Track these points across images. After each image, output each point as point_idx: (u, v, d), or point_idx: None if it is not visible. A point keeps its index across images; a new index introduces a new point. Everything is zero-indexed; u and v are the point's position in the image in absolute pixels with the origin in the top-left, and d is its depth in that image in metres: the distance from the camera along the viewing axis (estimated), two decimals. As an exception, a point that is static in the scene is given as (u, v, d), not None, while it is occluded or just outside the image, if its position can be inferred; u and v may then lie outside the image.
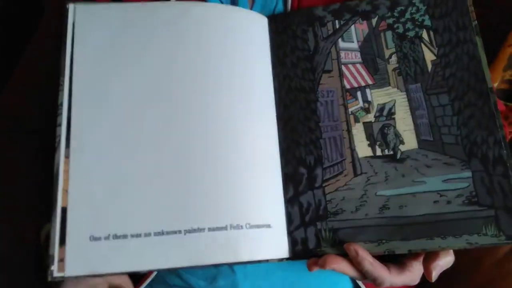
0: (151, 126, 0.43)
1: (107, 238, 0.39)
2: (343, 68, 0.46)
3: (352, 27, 0.47)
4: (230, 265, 0.41)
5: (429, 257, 0.41)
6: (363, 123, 0.45)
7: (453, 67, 0.44)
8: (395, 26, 0.46)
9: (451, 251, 0.42)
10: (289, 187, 0.44)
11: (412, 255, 0.43)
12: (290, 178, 0.44)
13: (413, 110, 0.44)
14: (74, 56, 0.43)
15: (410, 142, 0.43)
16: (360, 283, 0.51)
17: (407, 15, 0.46)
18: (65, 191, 0.40)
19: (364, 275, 0.41)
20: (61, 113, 0.42)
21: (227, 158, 0.42)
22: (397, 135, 0.44)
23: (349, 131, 0.45)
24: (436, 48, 0.45)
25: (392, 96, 0.45)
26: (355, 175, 0.43)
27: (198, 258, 0.40)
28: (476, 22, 0.44)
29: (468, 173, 0.41)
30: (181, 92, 0.44)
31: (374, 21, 0.47)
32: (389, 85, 0.45)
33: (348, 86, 0.46)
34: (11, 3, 0.74)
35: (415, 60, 0.45)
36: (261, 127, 0.45)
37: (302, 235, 0.43)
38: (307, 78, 0.46)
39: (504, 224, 0.40)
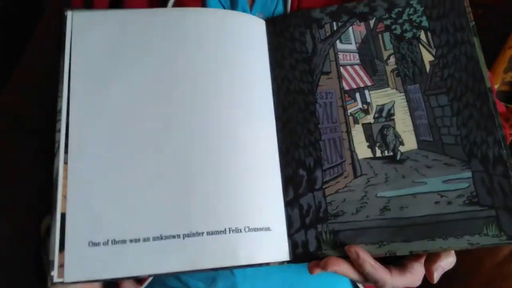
0: (149, 131, 0.43)
1: (105, 243, 0.39)
2: (342, 69, 0.46)
3: (350, 28, 0.47)
4: (230, 269, 0.41)
5: (431, 258, 0.41)
6: (362, 124, 0.45)
7: (451, 68, 0.44)
8: (393, 27, 0.46)
9: (453, 252, 0.41)
10: (289, 190, 0.44)
11: (414, 257, 0.43)
12: (289, 181, 0.44)
13: (412, 111, 0.44)
14: (72, 63, 0.43)
15: (409, 143, 0.43)
16: (360, 285, 0.51)
17: (405, 16, 0.46)
18: (64, 197, 0.40)
19: (366, 277, 0.41)
20: (60, 119, 0.42)
21: (225, 161, 0.42)
22: (396, 136, 0.44)
23: (348, 132, 0.44)
24: (434, 49, 0.45)
25: (391, 97, 0.45)
26: (355, 176, 0.43)
27: (197, 263, 0.39)
28: (473, 22, 0.44)
29: (468, 174, 0.41)
30: (180, 97, 0.44)
31: (371, 22, 0.47)
32: (388, 86, 0.45)
33: (346, 88, 0.46)
34: (11, 3, 0.74)
35: (413, 61, 0.45)
36: (260, 129, 0.45)
37: (302, 237, 0.42)
38: (306, 80, 0.46)
39: (505, 224, 0.39)
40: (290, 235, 0.42)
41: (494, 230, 0.40)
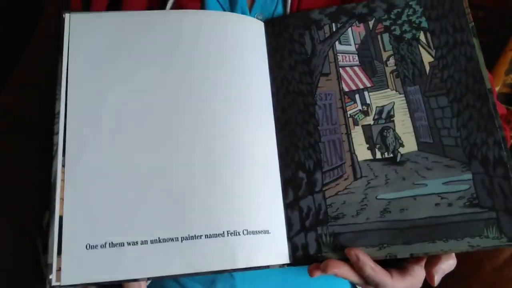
0: (147, 134, 0.42)
1: (103, 246, 0.39)
2: (341, 71, 0.46)
3: (349, 30, 0.47)
4: (229, 272, 0.40)
5: (431, 260, 0.41)
6: (362, 126, 0.44)
7: (451, 69, 0.44)
8: (392, 28, 0.46)
9: (453, 254, 0.41)
10: (288, 192, 0.43)
11: (414, 259, 0.42)
12: (289, 183, 0.43)
13: (412, 113, 0.44)
14: (70, 65, 0.43)
15: (409, 144, 0.43)
16: (360, 288, 0.51)
17: (404, 17, 0.46)
18: (61, 199, 0.40)
19: (366, 280, 0.41)
20: (58, 122, 0.41)
21: (224, 163, 0.42)
22: (396, 137, 0.44)
23: (348, 134, 0.44)
24: (434, 50, 0.45)
25: (391, 99, 0.45)
26: (355, 178, 0.43)
27: (196, 266, 0.39)
28: (473, 23, 0.44)
29: (468, 175, 0.41)
30: (178, 99, 0.43)
31: (371, 23, 0.47)
32: (388, 87, 0.45)
33: (346, 89, 0.46)
34: (11, 3, 0.74)
35: (413, 62, 0.45)
36: (259, 131, 0.44)
37: (302, 240, 0.42)
38: (305, 82, 0.46)
39: (506, 226, 0.39)
40: (290, 238, 0.42)
41: (495, 232, 0.39)
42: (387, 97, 0.45)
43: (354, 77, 0.46)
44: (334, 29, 0.47)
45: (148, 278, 0.39)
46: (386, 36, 0.46)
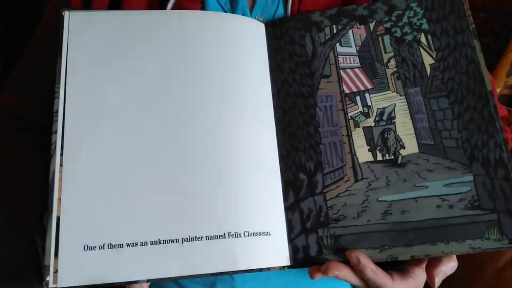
0: (147, 133, 0.42)
1: (101, 247, 0.38)
2: (342, 72, 0.46)
3: (350, 31, 0.47)
4: (229, 274, 0.40)
5: (432, 263, 0.41)
6: (363, 127, 0.44)
7: (452, 71, 0.44)
8: (393, 30, 0.46)
9: (454, 256, 0.41)
10: (289, 194, 0.43)
11: (415, 261, 0.42)
12: (290, 185, 0.43)
13: (413, 114, 0.44)
14: (69, 63, 0.43)
15: (410, 146, 0.43)
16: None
17: (405, 19, 0.46)
18: (59, 199, 0.39)
19: (367, 282, 0.40)
20: (56, 120, 0.41)
21: (224, 164, 0.42)
22: (397, 139, 0.43)
23: (349, 136, 0.44)
24: (435, 52, 0.45)
25: (392, 100, 0.44)
26: (356, 180, 0.43)
27: (196, 268, 0.39)
28: (473, 25, 0.44)
29: (469, 177, 0.41)
30: (178, 100, 0.43)
31: (371, 25, 0.47)
32: (388, 89, 0.45)
33: (347, 91, 0.45)
34: (11, 3, 0.73)
35: (414, 64, 0.45)
36: (260, 133, 0.44)
37: (303, 242, 0.42)
38: (306, 84, 0.46)
39: (507, 228, 0.39)
40: (290, 240, 0.42)
41: (496, 234, 0.39)
42: (388, 99, 0.45)
43: (355, 79, 0.46)
44: (334, 31, 0.47)
45: (148, 280, 0.38)
46: (387, 38, 0.46)
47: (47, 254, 0.37)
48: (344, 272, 0.40)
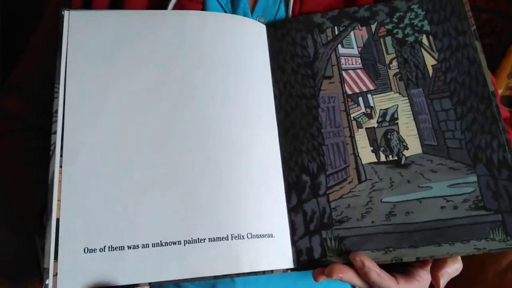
0: (148, 134, 0.41)
1: (102, 249, 0.37)
2: (344, 73, 0.46)
3: (352, 33, 0.47)
4: (232, 277, 0.39)
5: (437, 264, 0.40)
6: (366, 128, 0.44)
7: (454, 72, 0.44)
8: (395, 31, 0.46)
9: (459, 258, 0.41)
10: (292, 195, 0.42)
11: (419, 263, 0.42)
12: (293, 186, 0.43)
13: (415, 115, 0.44)
14: (69, 63, 0.42)
15: (414, 147, 0.43)
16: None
17: (406, 21, 0.46)
18: (59, 201, 0.38)
19: (371, 285, 0.40)
20: (56, 121, 0.40)
21: (227, 166, 0.41)
22: (400, 140, 0.43)
23: (352, 137, 0.44)
24: (437, 53, 0.45)
25: (394, 101, 0.44)
26: (360, 181, 0.42)
27: (199, 270, 0.38)
28: (474, 26, 0.44)
29: (473, 178, 0.41)
30: (179, 101, 0.43)
31: (373, 27, 0.47)
32: (391, 90, 0.45)
33: (349, 92, 0.45)
34: (11, 3, 0.73)
35: (416, 65, 0.45)
36: (262, 134, 0.44)
37: (307, 244, 0.41)
38: (308, 85, 0.46)
39: (511, 229, 0.39)
40: (294, 242, 0.41)
41: (501, 234, 0.39)
42: (391, 99, 0.45)
43: (357, 80, 0.45)
44: (336, 33, 0.47)
45: (150, 284, 0.37)
46: (388, 39, 0.46)
47: (47, 257, 0.36)
48: (349, 274, 0.39)
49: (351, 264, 0.40)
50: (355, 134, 0.44)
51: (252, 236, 0.40)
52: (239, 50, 0.45)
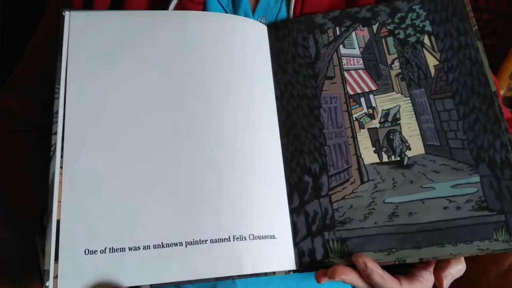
0: (149, 135, 0.41)
1: (103, 251, 0.37)
2: (346, 74, 0.46)
3: (353, 33, 0.47)
4: (234, 279, 0.39)
5: (440, 265, 0.40)
6: (368, 129, 0.44)
7: (456, 72, 0.44)
8: (396, 32, 0.46)
9: (463, 259, 0.40)
10: (294, 196, 0.42)
11: (422, 265, 0.41)
12: (295, 187, 0.42)
13: (418, 115, 0.43)
14: (70, 64, 0.42)
15: (416, 147, 0.43)
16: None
17: (408, 21, 0.46)
18: (59, 202, 0.38)
19: (374, 287, 0.40)
20: (56, 122, 0.40)
21: (229, 167, 0.41)
22: (403, 140, 0.43)
23: (354, 137, 0.44)
24: (438, 53, 0.45)
25: (396, 102, 0.44)
26: (362, 182, 0.42)
27: (201, 272, 0.38)
28: (476, 27, 0.44)
29: (476, 178, 0.41)
30: (180, 101, 0.42)
31: (374, 27, 0.47)
32: (393, 90, 0.45)
33: (351, 92, 0.45)
34: (11, 3, 0.73)
35: (418, 65, 0.45)
36: (264, 135, 0.43)
37: (309, 245, 0.41)
38: (309, 85, 0.45)
39: None
40: (296, 243, 0.41)
41: (504, 235, 0.39)
42: (393, 100, 0.44)
43: (359, 80, 0.45)
44: (338, 33, 0.47)
45: (151, 286, 0.37)
46: (390, 40, 0.46)
47: (47, 258, 0.36)
48: (351, 276, 0.39)
49: (353, 266, 0.39)
50: (357, 134, 0.44)
51: (254, 237, 0.39)
52: (240, 51, 0.45)
